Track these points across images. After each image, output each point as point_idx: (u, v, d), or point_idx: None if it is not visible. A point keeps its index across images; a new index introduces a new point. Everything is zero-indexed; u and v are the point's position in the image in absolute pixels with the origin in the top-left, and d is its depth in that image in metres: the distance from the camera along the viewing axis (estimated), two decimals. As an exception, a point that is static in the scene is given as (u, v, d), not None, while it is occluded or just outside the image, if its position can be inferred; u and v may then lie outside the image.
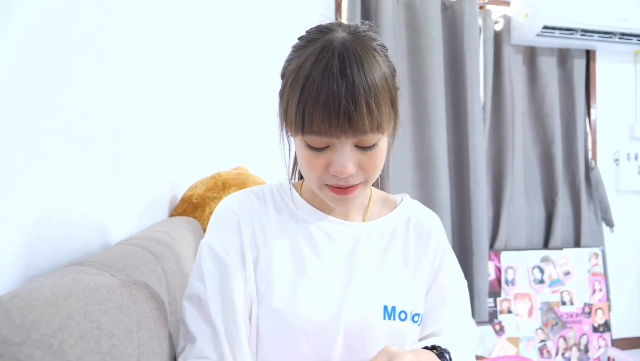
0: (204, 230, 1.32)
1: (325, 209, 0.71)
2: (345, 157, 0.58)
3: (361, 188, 0.64)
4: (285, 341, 0.63)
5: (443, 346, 0.66)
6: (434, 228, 0.75)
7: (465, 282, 0.77)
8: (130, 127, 0.90)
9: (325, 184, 0.63)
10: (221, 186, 1.42)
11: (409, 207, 0.77)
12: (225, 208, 0.70)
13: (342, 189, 0.62)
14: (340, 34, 0.59)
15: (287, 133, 0.67)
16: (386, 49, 0.64)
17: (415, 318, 0.68)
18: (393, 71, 0.63)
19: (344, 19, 2.02)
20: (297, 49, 0.62)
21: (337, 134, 0.57)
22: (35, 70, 0.52)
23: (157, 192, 1.16)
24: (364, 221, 0.73)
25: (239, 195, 0.72)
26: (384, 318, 0.65)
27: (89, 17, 0.69)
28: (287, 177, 0.77)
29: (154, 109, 1.10)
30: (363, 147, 0.60)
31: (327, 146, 0.59)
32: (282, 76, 0.65)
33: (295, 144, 0.66)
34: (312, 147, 0.60)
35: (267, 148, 1.93)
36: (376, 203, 0.76)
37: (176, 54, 1.38)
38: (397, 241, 0.73)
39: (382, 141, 0.62)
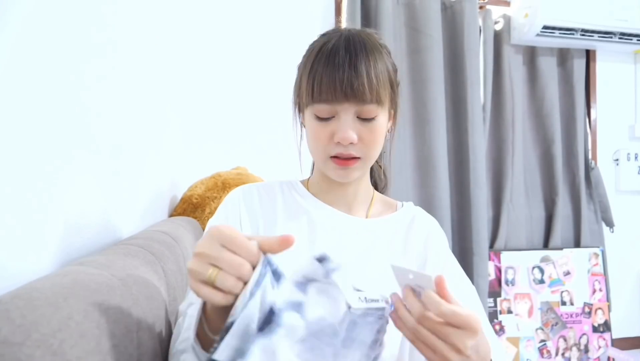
0: (204, 230, 1.32)
1: (330, 202, 0.75)
2: (347, 125, 0.65)
3: (360, 163, 0.69)
4: None
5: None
6: (436, 234, 0.77)
7: (474, 288, 0.75)
8: (130, 127, 0.90)
9: (330, 157, 0.68)
10: (221, 186, 1.42)
11: (412, 210, 0.79)
12: (232, 195, 0.75)
13: (344, 161, 0.67)
14: (351, 30, 0.70)
15: (300, 122, 0.75)
16: (389, 50, 0.71)
17: None
18: (394, 67, 0.71)
19: (344, 20, 2.02)
20: (314, 43, 0.72)
21: (341, 100, 0.64)
22: (35, 71, 0.53)
23: (157, 192, 1.16)
24: (366, 217, 0.76)
25: (248, 186, 0.77)
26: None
27: (90, 17, 0.69)
28: (292, 171, 0.84)
29: (154, 109, 1.10)
30: (364, 119, 0.66)
31: (333, 117, 0.66)
32: (298, 68, 0.73)
33: (305, 124, 0.71)
34: (319, 118, 0.66)
35: (267, 148, 1.93)
36: (378, 203, 0.80)
37: (176, 55, 1.38)
38: (398, 240, 0.74)
39: (382, 118, 0.68)
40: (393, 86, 0.70)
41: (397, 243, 0.74)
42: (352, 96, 0.63)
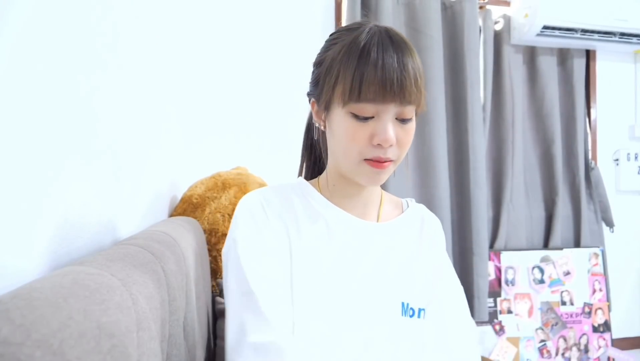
0: (204, 230, 1.32)
1: (344, 206, 0.74)
2: (390, 126, 0.62)
3: (392, 166, 0.67)
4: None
5: None
6: (439, 234, 0.80)
7: (461, 288, 0.79)
8: (130, 127, 0.90)
9: (364, 159, 0.65)
10: (221, 186, 1.42)
11: (419, 210, 0.81)
12: (250, 202, 0.70)
13: (380, 163, 0.64)
14: (386, 27, 0.66)
15: (315, 121, 0.72)
16: None
17: (421, 314, 0.70)
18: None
19: (344, 19, 2.02)
20: (337, 37, 0.68)
21: (389, 100, 0.61)
22: (34, 71, 0.52)
23: (157, 192, 1.16)
24: (377, 220, 0.76)
25: (262, 191, 0.73)
26: (402, 315, 0.67)
27: (89, 17, 0.69)
28: (293, 171, 0.82)
29: (154, 109, 1.09)
30: (402, 120, 0.64)
31: (372, 117, 0.63)
32: (319, 63, 0.69)
33: (333, 123, 0.67)
34: (357, 118, 0.63)
35: (267, 148, 1.93)
36: (387, 203, 0.80)
37: (176, 54, 1.38)
38: (413, 243, 0.75)
39: (414, 120, 0.66)
40: (424, 85, 0.68)
41: (412, 246, 0.75)
42: (400, 96, 0.61)
